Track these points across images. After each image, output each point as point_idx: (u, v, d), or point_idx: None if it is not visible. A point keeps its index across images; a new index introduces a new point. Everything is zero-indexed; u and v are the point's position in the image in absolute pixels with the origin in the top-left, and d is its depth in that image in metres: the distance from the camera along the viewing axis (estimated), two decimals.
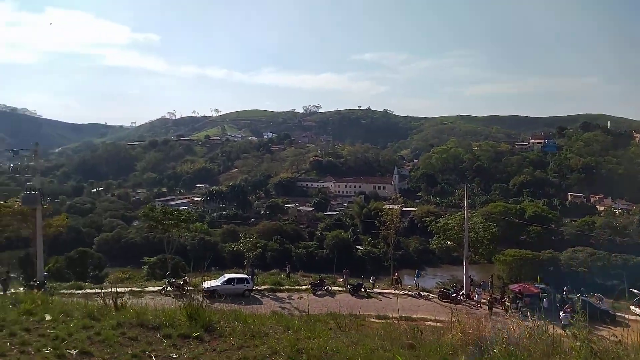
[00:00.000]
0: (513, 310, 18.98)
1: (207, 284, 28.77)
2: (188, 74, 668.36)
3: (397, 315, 22.60)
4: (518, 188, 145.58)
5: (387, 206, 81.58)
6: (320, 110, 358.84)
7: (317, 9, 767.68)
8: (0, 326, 6.18)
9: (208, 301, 9.27)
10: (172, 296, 28.89)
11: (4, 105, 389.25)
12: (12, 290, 26.17)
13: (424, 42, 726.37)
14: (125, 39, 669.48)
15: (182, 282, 31.44)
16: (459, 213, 48.67)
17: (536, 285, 34.55)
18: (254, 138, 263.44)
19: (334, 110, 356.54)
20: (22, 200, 34.41)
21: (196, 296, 7.79)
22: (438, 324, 22.84)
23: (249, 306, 24.36)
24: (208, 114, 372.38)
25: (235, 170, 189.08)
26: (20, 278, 43.61)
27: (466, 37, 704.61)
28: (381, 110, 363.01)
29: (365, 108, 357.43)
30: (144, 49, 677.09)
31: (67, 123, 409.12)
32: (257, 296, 32.00)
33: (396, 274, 40.38)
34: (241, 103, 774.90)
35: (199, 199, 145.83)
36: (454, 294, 33.95)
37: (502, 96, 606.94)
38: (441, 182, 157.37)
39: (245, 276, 33.37)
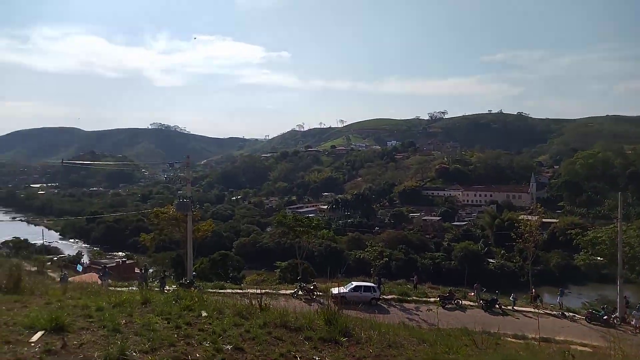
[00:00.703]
0: None
1: (335, 290, 29.39)
2: (316, 87, 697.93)
3: (537, 336, 20.75)
4: None
5: (523, 217, 75.54)
6: (446, 116, 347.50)
7: (440, 12, 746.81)
8: (167, 319, 7.02)
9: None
10: (303, 300, 30.06)
11: (160, 123, 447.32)
12: (167, 287, 29.63)
13: (563, 36, 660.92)
14: (259, 59, 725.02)
15: (311, 287, 32.64)
16: (611, 225, 43.06)
17: None
18: (378, 147, 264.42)
19: (461, 115, 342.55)
20: (176, 207, 38.76)
21: (326, 302, 8.02)
22: (587, 349, 20.45)
23: (376, 315, 24.33)
24: (334, 125, 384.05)
25: (359, 179, 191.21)
26: (172, 277, 49.18)
27: (614, 28, 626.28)
28: (514, 113, 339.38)
29: (496, 112, 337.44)
30: (276, 66, 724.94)
31: (211, 137, 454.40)
32: (384, 305, 31.83)
33: (534, 291, 37.16)
34: (365, 113, 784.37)
35: (325, 206, 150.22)
36: (605, 317, 30.10)
37: None
38: (587, 190, 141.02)
39: (372, 285, 33.43)
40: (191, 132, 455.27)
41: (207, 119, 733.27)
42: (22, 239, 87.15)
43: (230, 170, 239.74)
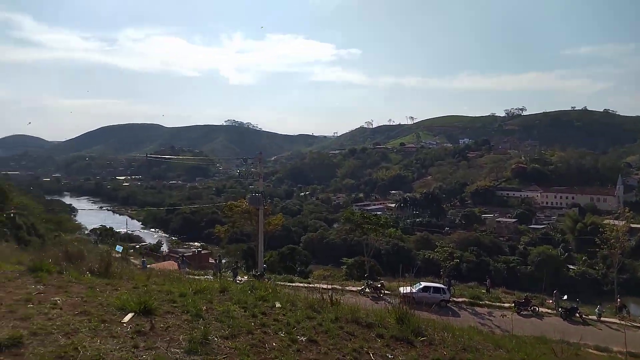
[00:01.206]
0: None
1: (403, 290, 28.98)
2: (385, 84, 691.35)
3: (623, 350, 19.22)
4: None
5: (608, 221, 70.24)
6: (524, 113, 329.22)
7: (516, 2, 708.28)
8: (244, 307, 7.30)
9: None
10: (370, 297, 29.96)
11: (234, 120, 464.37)
12: (239, 278, 30.77)
13: None
14: (330, 56, 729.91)
15: (379, 285, 32.48)
16: None
17: None
18: (449, 144, 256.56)
19: (541, 112, 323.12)
20: (248, 201, 40.11)
21: (394, 300, 7.94)
22: None
23: (446, 317, 23.70)
24: (403, 122, 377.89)
25: (429, 177, 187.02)
26: (243, 268, 50.95)
27: None
28: (601, 110, 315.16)
29: (580, 109, 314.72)
30: (346, 63, 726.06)
31: (282, 134, 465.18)
32: (454, 308, 30.97)
33: (619, 301, 34.44)
34: (436, 109, 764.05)
35: (393, 205, 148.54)
36: None
37: None
38: None
39: (442, 286, 32.62)
40: (263, 129, 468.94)
41: (278, 116, 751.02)
42: (108, 227, 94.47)
43: (299, 166, 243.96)
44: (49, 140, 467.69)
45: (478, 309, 31.27)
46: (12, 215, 60.20)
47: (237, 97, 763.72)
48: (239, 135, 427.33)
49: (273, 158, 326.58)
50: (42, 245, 35.82)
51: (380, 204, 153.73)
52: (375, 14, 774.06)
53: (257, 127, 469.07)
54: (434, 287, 31.75)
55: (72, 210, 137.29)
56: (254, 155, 40.23)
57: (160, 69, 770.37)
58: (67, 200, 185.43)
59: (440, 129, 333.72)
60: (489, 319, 28.29)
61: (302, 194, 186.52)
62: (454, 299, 32.52)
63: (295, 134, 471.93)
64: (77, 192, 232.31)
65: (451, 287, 33.68)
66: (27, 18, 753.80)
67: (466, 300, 32.91)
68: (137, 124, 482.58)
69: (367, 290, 31.95)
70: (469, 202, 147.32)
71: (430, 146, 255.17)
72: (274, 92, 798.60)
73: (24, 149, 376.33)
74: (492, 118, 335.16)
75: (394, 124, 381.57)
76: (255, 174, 40.55)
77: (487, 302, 32.84)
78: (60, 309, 5.98)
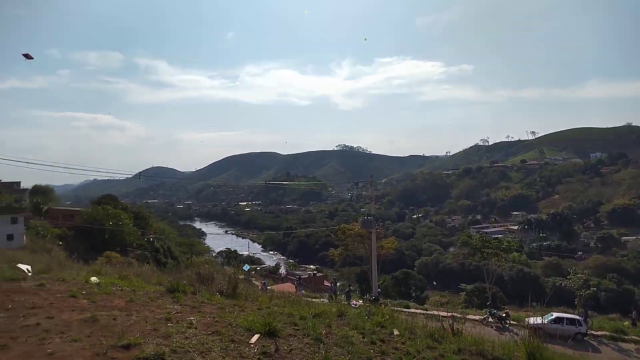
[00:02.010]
0: None
1: (532, 321, 26.59)
2: (501, 98, 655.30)
3: None
4: None
5: None
6: None
7: None
8: (361, 333, 7.30)
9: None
10: (494, 328, 27.95)
11: (345, 145, 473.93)
12: (353, 301, 30.77)
13: None
14: (439, 74, 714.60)
15: (503, 315, 30.20)
16: None
17: None
18: (579, 160, 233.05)
19: None
20: (360, 224, 40.29)
21: (521, 332, 7.29)
22: None
23: (585, 353, 21.18)
24: (523, 137, 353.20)
25: (556, 196, 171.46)
26: (357, 291, 50.91)
27: None
28: None
29: None
30: (457, 80, 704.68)
31: (392, 156, 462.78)
32: (592, 342, 27.55)
33: None
34: (560, 122, 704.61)
35: (515, 227, 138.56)
36: None
37: None
38: None
39: (578, 317, 29.28)
40: (373, 152, 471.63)
41: (388, 138, 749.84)
42: (232, 249, 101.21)
43: (410, 188, 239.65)
44: (182, 171, 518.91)
45: (622, 344, 27.42)
46: (151, 239, 67.58)
47: (347, 121, 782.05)
48: (350, 159, 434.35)
49: (383, 180, 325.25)
50: (177, 267, 39.45)
51: (501, 226, 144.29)
52: (485, 28, 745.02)
53: (367, 150, 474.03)
54: (567, 319, 28.60)
55: (202, 234, 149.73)
56: (364, 178, 40.64)
57: (276, 100, 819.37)
58: (197, 224, 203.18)
59: (567, 143, 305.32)
60: (636, 357, 24.68)
61: (415, 216, 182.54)
62: (592, 332, 28.95)
63: (406, 155, 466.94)
64: (206, 217, 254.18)
65: (588, 319, 30.05)
66: (162, 63, 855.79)
67: (607, 334, 29.07)
68: (256, 152, 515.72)
69: (490, 319, 29.88)
70: (605, 223, 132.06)
71: (556, 162, 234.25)
72: (383, 114, 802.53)
73: (160, 180, 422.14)
74: (629, 128, 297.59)
75: (512, 140, 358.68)
76: (366, 197, 40.72)
77: (633, 337, 28.69)
78: (195, 328, 6.53)
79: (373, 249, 35.33)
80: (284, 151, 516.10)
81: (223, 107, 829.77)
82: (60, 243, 47.51)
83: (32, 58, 26.02)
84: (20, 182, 76.39)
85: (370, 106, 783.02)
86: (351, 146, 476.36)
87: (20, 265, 10.11)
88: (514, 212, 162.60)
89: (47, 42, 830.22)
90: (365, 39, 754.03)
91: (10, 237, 44.45)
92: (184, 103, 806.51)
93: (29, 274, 9.61)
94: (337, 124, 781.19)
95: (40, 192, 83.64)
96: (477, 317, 31.20)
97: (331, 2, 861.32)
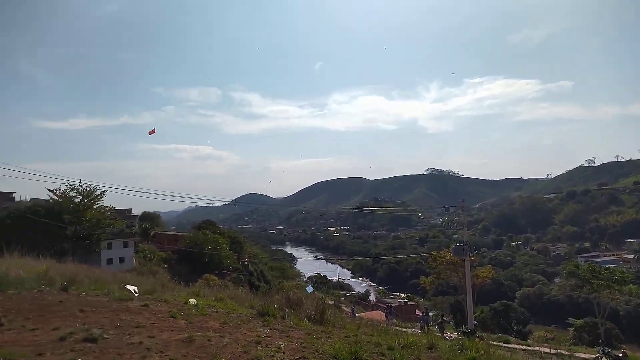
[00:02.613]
0: None
1: None
2: (607, 115, 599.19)
3: None
4: None
5: None
6: None
7: None
8: None
9: None
10: None
11: (434, 169, 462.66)
12: (448, 334, 29.35)
13: None
14: (535, 92, 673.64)
15: (619, 355, 26.92)
16: None
17: None
18: None
19: None
20: (453, 252, 38.62)
21: None
22: None
23: None
24: (635, 157, 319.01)
25: None
26: (451, 322, 48.53)
27: None
28: None
29: None
30: (555, 98, 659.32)
31: (485, 180, 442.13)
32: None
33: None
34: None
35: (631, 256, 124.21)
36: None
37: None
38: None
39: None
40: (464, 175, 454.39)
41: (480, 161, 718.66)
42: (321, 275, 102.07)
43: (507, 213, 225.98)
44: (273, 197, 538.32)
45: None
46: (246, 263, 70.45)
47: (436, 145, 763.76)
48: (440, 183, 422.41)
49: (477, 205, 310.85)
50: (269, 290, 40.56)
51: (613, 255, 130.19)
52: (587, 41, 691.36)
53: (458, 173, 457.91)
54: None
55: (293, 258, 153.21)
56: (455, 203, 38.99)
57: (363, 126, 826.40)
58: (288, 249, 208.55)
59: None
60: None
61: (513, 243, 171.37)
62: None
63: (501, 178, 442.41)
64: (296, 242, 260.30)
65: None
66: (256, 96, 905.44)
67: None
68: (344, 178, 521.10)
69: (603, 359, 26.83)
70: None
71: None
72: (474, 136, 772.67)
73: (254, 206, 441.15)
74: None
75: (622, 160, 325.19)
76: (458, 222, 39.17)
77: None
78: (283, 352, 6.63)
79: (467, 278, 33.60)
80: (371, 176, 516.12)
81: (312, 135, 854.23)
82: (165, 266, 51.21)
83: (155, 132, 30.60)
84: (131, 209, 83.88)
85: (460, 128, 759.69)
86: (441, 170, 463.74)
87: (129, 287, 11.04)
88: (628, 240, 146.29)
89: (154, 81, 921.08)
90: (453, 73, 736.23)
91: (121, 260, 48.93)
92: (275, 132, 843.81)
93: (136, 295, 10.45)
94: (425, 148, 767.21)
95: (149, 218, 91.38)
96: (587, 356, 28.27)
97: (415, 27, 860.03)
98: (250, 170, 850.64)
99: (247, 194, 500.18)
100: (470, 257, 36.73)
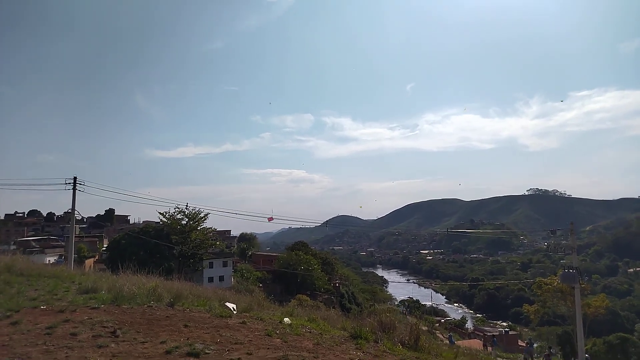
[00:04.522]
0: None
1: None
2: None
3: None
4: None
5: None
6: None
7: None
8: None
9: None
10: None
11: (537, 188, 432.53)
12: None
13: None
14: None
15: None
16: None
17: None
18: None
19: None
20: (560, 278, 35.61)
21: None
22: None
23: None
24: None
25: None
26: (559, 355, 44.41)
27: None
28: None
29: None
30: None
31: (597, 200, 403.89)
32: None
33: None
34: None
35: None
36: None
37: None
38: None
39: None
40: (572, 195, 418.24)
41: (590, 180, 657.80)
42: (414, 299, 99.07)
43: (623, 236, 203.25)
44: (364, 219, 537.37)
45: None
46: (337, 284, 70.69)
47: (539, 163, 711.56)
48: (544, 204, 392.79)
49: (587, 228, 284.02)
50: (360, 313, 40.26)
51: None
52: None
53: (564, 193, 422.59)
54: None
55: (384, 281, 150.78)
56: (563, 225, 36.05)
57: (457, 145, 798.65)
58: (380, 272, 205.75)
59: None
60: None
61: (631, 270, 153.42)
62: None
63: (614, 198, 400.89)
64: (387, 265, 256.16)
65: None
66: (347, 120, 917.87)
67: None
68: (437, 199, 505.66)
69: None
70: None
71: None
72: (583, 153, 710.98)
73: (345, 228, 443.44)
74: None
75: None
76: (566, 246, 36.09)
77: None
78: None
79: (578, 307, 30.65)
80: (466, 197, 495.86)
81: (403, 156, 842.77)
82: (260, 285, 53.14)
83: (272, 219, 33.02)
84: (230, 230, 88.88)
85: (566, 145, 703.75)
86: (545, 190, 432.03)
87: (228, 304, 11.59)
88: None
89: (253, 110, 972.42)
90: (561, 100, 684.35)
91: (221, 278, 51.68)
92: (366, 154, 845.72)
93: (234, 312, 10.94)
94: (526, 167, 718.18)
95: (246, 239, 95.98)
96: None
97: (511, 41, 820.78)
98: (341, 193, 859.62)
99: (338, 216, 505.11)
100: (580, 284, 33.66)
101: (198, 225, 49.91)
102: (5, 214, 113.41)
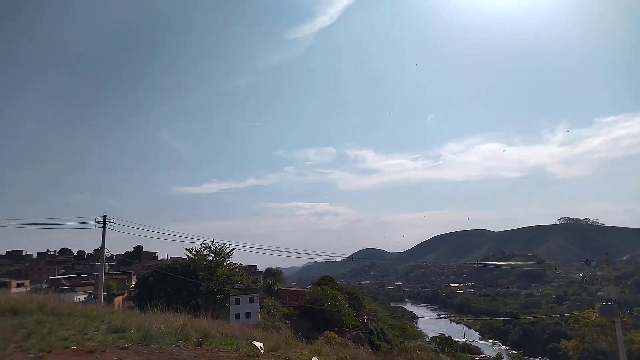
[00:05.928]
0: None
1: None
2: None
3: None
4: None
5: None
6: None
7: None
8: None
9: None
10: None
11: (568, 217, 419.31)
12: None
13: None
14: None
15: None
16: None
17: None
18: None
19: None
20: (599, 311, 34.07)
21: None
22: None
23: None
24: None
25: None
26: None
27: None
28: None
29: None
30: None
31: (634, 229, 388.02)
32: None
33: None
34: None
35: None
36: None
37: None
38: None
39: None
40: (605, 224, 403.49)
41: (625, 208, 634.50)
42: (446, 335, 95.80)
43: None
44: (390, 251, 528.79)
45: None
46: (365, 320, 69.16)
47: (569, 192, 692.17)
48: (577, 233, 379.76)
49: (624, 257, 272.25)
50: (390, 351, 39.12)
51: None
52: None
53: (597, 222, 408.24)
54: None
55: (414, 317, 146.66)
56: (597, 255, 34.73)
57: (482, 175, 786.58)
58: (409, 307, 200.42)
59: None
60: None
61: None
62: None
63: None
64: (416, 299, 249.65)
65: None
66: (369, 152, 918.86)
67: None
68: (465, 230, 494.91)
69: None
70: None
71: None
72: (614, 180, 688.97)
73: (371, 261, 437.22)
74: None
75: None
76: (602, 277, 34.66)
77: None
78: None
79: (620, 343, 29.10)
80: (494, 227, 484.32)
81: (427, 187, 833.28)
82: (287, 322, 52.42)
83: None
84: (256, 265, 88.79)
85: (596, 172, 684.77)
86: (577, 218, 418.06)
87: (255, 343, 11.46)
88: None
89: (276, 145, 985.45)
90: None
91: (248, 315, 51.22)
92: (389, 186, 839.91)
93: (262, 351, 10.80)
94: (556, 195, 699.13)
95: (272, 273, 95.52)
96: None
97: (535, 67, 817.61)
98: (366, 225, 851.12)
99: (363, 249, 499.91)
100: (621, 317, 32.09)
101: (224, 260, 50.05)
102: (38, 253, 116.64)
